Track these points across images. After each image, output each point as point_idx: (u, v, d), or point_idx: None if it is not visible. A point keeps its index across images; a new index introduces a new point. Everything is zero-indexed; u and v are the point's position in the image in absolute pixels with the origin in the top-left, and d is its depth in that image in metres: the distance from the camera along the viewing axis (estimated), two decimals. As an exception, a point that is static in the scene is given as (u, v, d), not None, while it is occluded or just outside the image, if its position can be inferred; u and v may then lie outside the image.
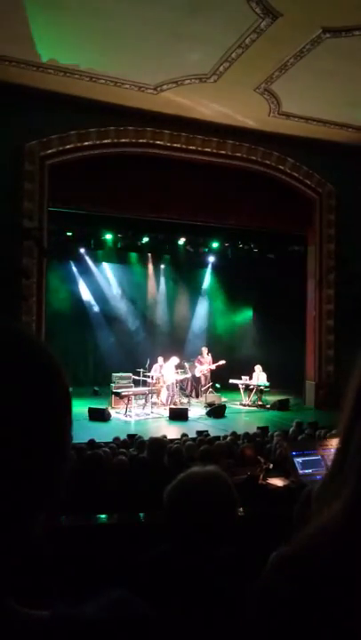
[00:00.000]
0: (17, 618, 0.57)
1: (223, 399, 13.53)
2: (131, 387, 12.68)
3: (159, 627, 0.65)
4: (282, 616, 0.66)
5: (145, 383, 12.78)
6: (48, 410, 0.60)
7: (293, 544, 0.70)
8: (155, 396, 13.00)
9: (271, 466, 5.37)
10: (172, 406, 12.46)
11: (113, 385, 12.76)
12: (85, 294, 15.72)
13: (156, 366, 13.30)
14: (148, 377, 12.80)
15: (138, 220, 13.39)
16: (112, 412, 11.89)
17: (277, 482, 4.96)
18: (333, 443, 5.02)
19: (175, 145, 11.78)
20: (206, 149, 12.08)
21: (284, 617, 0.65)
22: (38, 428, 0.58)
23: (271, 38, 8.39)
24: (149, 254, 16.42)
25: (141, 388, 12.72)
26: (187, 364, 14.32)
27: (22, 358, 0.59)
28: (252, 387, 13.49)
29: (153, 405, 12.63)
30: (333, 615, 0.63)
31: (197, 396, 14.15)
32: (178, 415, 11.69)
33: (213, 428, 10.22)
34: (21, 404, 0.57)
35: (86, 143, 11.05)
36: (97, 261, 15.84)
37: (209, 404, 12.92)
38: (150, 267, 16.67)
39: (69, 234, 14.18)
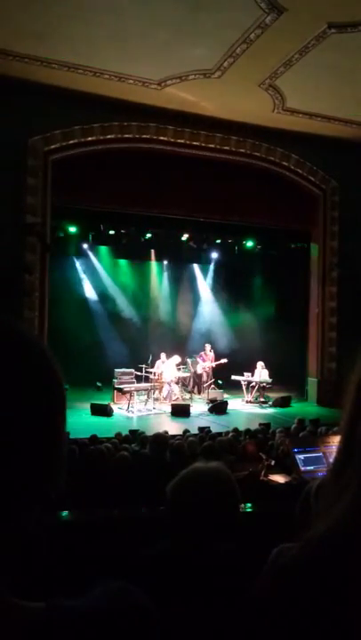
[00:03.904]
0: (12, 609, 0.57)
1: (225, 396, 13.54)
2: (133, 382, 12.70)
3: (159, 617, 0.65)
4: (284, 616, 0.66)
5: (147, 379, 12.79)
6: (41, 405, 0.60)
7: (297, 547, 0.70)
8: (157, 391, 13.02)
9: (273, 462, 5.37)
10: (174, 402, 12.48)
11: (115, 381, 12.79)
12: (88, 290, 15.71)
13: (158, 362, 13.32)
14: (151, 373, 12.81)
15: (141, 216, 13.37)
16: (114, 407, 11.92)
17: (279, 478, 4.97)
18: (335, 440, 5.01)
19: (179, 141, 11.75)
20: (210, 145, 12.05)
21: (287, 617, 0.66)
22: (32, 423, 0.58)
23: (276, 33, 8.35)
24: (152, 250, 16.39)
25: (143, 384, 12.74)
26: (189, 361, 14.33)
27: (15, 354, 0.60)
28: (254, 383, 13.49)
29: (155, 401, 12.65)
30: (334, 618, 0.63)
31: (199, 393, 14.16)
32: (180, 411, 11.71)
33: (215, 424, 10.24)
34: (15, 400, 0.57)
35: (90, 138, 11.03)
36: (100, 257, 15.83)
37: (211, 401, 12.93)
38: (153, 263, 16.65)
39: (72, 229, 14.17)
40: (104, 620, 0.59)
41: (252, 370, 13.67)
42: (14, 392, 0.57)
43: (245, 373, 13.70)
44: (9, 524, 0.57)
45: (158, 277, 16.85)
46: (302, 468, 4.62)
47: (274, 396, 13.58)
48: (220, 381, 14.42)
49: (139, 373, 12.76)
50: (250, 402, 13.40)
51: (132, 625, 0.61)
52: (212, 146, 12.07)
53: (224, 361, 13.99)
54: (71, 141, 10.91)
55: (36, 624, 0.56)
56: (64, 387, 0.64)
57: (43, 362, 0.62)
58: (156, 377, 12.98)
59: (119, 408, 12.03)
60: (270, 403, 13.26)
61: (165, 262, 16.79)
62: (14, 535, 0.58)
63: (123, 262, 16.26)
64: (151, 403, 12.48)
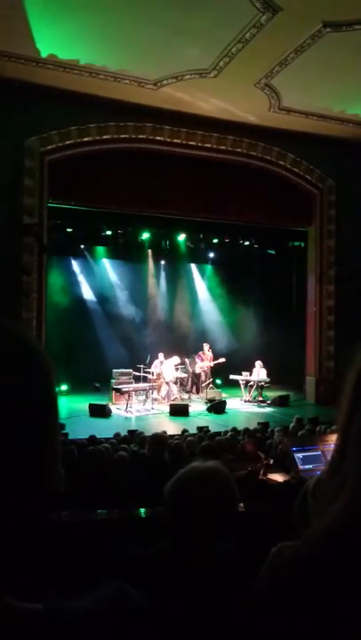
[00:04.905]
0: (9, 611, 0.57)
1: (224, 395, 13.54)
2: (131, 383, 12.70)
3: (157, 618, 0.65)
4: (283, 615, 0.66)
5: (145, 379, 12.79)
6: (35, 405, 0.60)
7: (298, 544, 0.70)
8: (155, 392, 13.02)
9: (272, 461, 5.38)
10: (173, 402, 12.49)
11: (113, 381, 12.78)
12: (86, 290, 15.71)
13: (156, 362, 13.32)
14: (149, 373, 12.81)
15: (138, 216, 13.37)
16: (113, 407, 11.91)
17: (278, 477, 4.97)
18: (334, 438, 5.01)
19: (175, 140, 11.76)
20: (206, 145, 12.05)
21: (286, 616, 0.66)
22: (25, 422, 0.58)
23: (271, 33, 8.36)
24: (150, 250, 16.40)
25: (142, 384, 12.74)
26: (187, 360, 14.33)
27: (10, 354, 0.60)
28: (252, 382, 13.50)
29: (153, 401, 12.65)
30: (334, 617, 0.63)
31: (198, 392, 14.17)
32: (178, 411, 11.71)
33: (214, 423, 10.24)
34: (8, 400, 0.57)
35: (86, 139, 11.03)
36: (97, 257, 15.83)
37: (209, 400, 12.94)
38: (150, 262, 16.65)
39: (69, 230, 14.16)
40: (102, 621, 0.59)
41: (250, 369, 13.69)
42: (8, 392, 0.57)
43: (244, 373, 13.71)
44: (7, 524, 0.57)
45: (155, 277, 16.85)
46: (301, 467, 4.62)
47: (272, 395, 13.59)
48: (218, 381, 14.44)
49: (137, 374, 12.76)
50: (248, 401, 13.41)
51: (130, 627, 0.61)
52: (209, 145, 12.07)
53: (222, 360, 14.00)
54: (67, 142, 10.90)
55: (34, 626, 0.56)
56: (55, 388, 0.64)
57: (37, 362, 0.62)
58: (155, 377, 12.99)
59: (118, 408, 12.02)
60: (269, 402, 13.27)
61: (163, 262, 16.80)
62: (12, 535, 0.58)
63: (120, 262, 16.26)
64: (150, 403, 12.48)
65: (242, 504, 3.38)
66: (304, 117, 11.66)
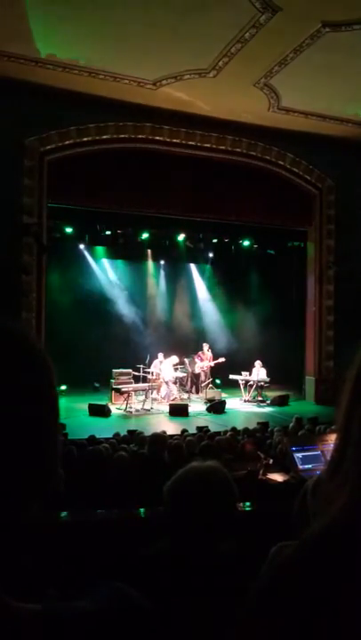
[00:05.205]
0: (8, 611, 0.56)
1: (223, 395, 13.55)
2: (131, 383, 12.70)
3: (157, 618, 0.65)
4: (283, 615, 0.66)
5: (145, 379, 12.79)
6: (35, 405, 0.60)
7: (297, 543, 0.70)
8: (155, 391, 13.02)
9: (271, 461, 5.38)
10: (172, 402, 12.49)
11: (113, 381, 12.78)
12: (85, 290, 15.69)
13: (155, 362, 13.32)
14: (148, 373, 12.81)
15: (137, 216, 13.37)
16: (112, 407, 11.91)
17: (277, 477, 4.97)
18: (333, 438, 5.00)
19: (174, 140, 11.75)
20: (206, 145, 12.05)
21: (286, 616, 0.66)
22: (25, 421, 0.58)
23: (271, 33, 8.36)
24: (149, 250, 16.40)
25: (141, 384, 12.74)
26: (187, 360, 14.33)
27: (10, 354, 0.60)
28: (252, 382, 13.50)
29: (153, 401, 12.65)
30: (336, 614, 0.63)
31: (197, 392, 14.17)
32: (178, 411, 11.71)
33: (213, 423, 10.24)
34: (8, 399, 0.57)
35: (85, 139, 11.03)
36: (96, 257, 15.82)
37: (209, 400, 12.94)
38: (150, 263, 16.65)
39: (69, 230, 14.16)
40: (101, 622, 0.59)
41: (249, 369, 13.69)
42: (8, 392, 0.57)
43: (243, 372, 13.71)
44: (6, 524, 0.57)
45: (155, 277, 16.85)
46: (300, 467, 4.62)
47: (272, 394, 13.60)
48: (217, 381, 14.44)
49: (136, 373, 12.76)
50: (248, 401, 13.42)
51: (129, 627, 0.61)
52: (208, 145, 12.07)
53: (222, 360, 14.01)
54: (67, 142, 10.90)
55: (33, 627, 0.56)
56: (55, 387, 0.64)
57: (38, 362, 0.62)
58: (154, 377, 12.99)
59: (117, 408, 12.03)
60: (268, 401, 13.27)
61: (162, 262, 16.79)
62: (11, 534, 0.58)
63: (119, 262, 16.25)
64: (149, 403, 12.48)
65: (241, 504, 3.38)
66: (303, 117, 11.66)
